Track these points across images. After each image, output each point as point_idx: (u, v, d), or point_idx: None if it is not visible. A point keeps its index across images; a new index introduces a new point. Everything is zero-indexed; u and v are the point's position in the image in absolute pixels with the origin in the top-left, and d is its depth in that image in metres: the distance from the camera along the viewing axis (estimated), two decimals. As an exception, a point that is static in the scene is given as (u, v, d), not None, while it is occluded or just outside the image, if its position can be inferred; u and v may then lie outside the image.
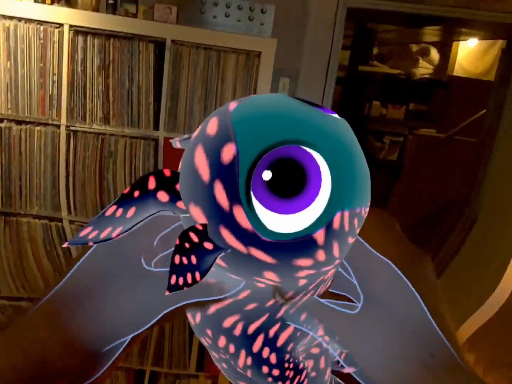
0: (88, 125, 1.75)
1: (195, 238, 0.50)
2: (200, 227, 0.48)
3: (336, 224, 0.44)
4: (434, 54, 4.66)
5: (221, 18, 1.75)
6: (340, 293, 0.63)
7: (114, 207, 0.47)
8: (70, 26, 1.67)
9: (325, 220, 0.44)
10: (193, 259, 0.48)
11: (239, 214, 0.40)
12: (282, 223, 0.41)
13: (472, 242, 2.42)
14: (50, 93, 1.71)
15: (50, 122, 1.74)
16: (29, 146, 1.74)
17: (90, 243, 0.47)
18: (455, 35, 4.33)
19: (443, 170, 3.83)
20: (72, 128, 1.75)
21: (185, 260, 0.48)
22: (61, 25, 1.66)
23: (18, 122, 1.73)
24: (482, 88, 3.68)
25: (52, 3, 1.68)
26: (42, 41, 1.67)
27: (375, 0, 2.17)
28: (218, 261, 0.45)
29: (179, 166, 0.48)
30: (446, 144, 4.01)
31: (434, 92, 4.86)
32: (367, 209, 0.47)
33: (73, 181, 1.77)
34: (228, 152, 0.38)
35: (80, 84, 1.72)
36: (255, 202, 0.43)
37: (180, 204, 0.48)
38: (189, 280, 0.47)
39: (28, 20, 1.65)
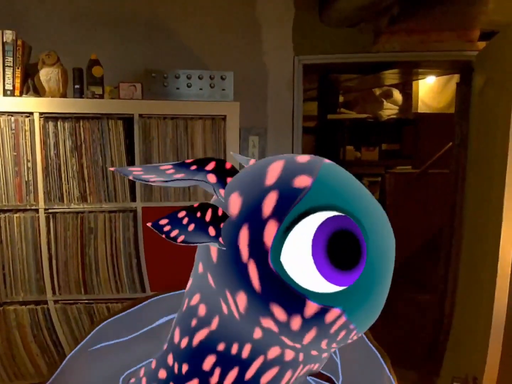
0: (66, 205, 1.78)
1: (208, 216, 0.56)
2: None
3: (329, 318, 0.52)
4: (397, 95, 4.85)
5: (184, 89, 1.83)
6: (324, 372, 0.68)
7: (169, 166, 0.57)
8: (40, 113, 1.73)
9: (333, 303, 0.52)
10: (191, 226, 0.54)
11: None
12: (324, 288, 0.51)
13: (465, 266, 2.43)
14: (26, 179, 1.75)
15: (28, 207, 1.76)
16: (10, 234, 1.75)
17: (130, 177, 0.56)
18: (413, 75, 4.52)
19: (424, 203, 3.89)
20: (50, 210, 1.77)
21: (185, 220, 0.54)
22: (31, 113, 1.72)
23: (-3, 212, 1.75)
24: (446, 121, 3.81)
25: (21, 94, 1.74)
26: (14, 131, 1.72)
27: (326, 56, 2.29)
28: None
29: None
30: (421, 178, 4.10)
31: (403, 131, 5.02)
32: (357, 336, 0.55)
33: (56, 262, 1.77)
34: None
35: (55, 167, 1.76)
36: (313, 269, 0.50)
37: (221, 191, 0.56)
38: (172, 234, 0.53)
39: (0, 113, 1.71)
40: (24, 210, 1.77)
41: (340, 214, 0.51)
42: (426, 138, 4.31)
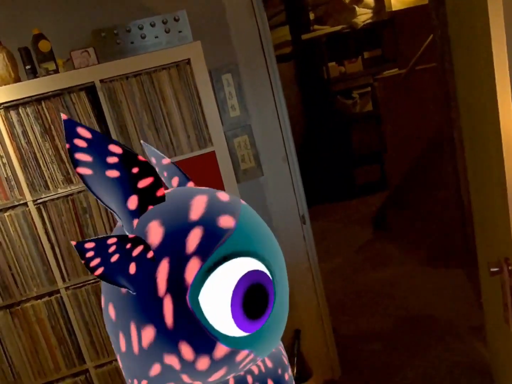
0: (53, 192, 1.70)
1: (136, 251, 0.52)
2: (151, 255, 0.53)
3: (238, 358, 0.55)
4: (367, -3, 4.59)
5: (139, 42, 1.70)
6: None
7: None
8: (-2, 104, 1.62)
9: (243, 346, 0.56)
10: (114, 257, 0.51)
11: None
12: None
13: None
14: (6, 175, 1.66)
15: (16, 203, 1.69)
16: (6, 234, 1.69)
17: None
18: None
19: (418, 102, 3.75)
20: (39, 201, 1.69)
21: (112, 249, 0.52)
22: (-11, 106, 1.61)
23: (-14, 215, 1.68)
24: (423, 13, 3.62)
25: (-27, 90, 1.63)
26: (-23, 130, 1.62)
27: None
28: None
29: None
30: (410, 77, 3.93)
31: (382, 34, 4.79)
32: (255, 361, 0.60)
33: (59, 249, 1.71)
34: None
35: (31, 156, 1.66)
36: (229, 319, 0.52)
37: (135, 221, 0.54)
38: (92, 263, 0.50)
39: (-43, 115, 1.60)
40: (13, 207, 1.70)
41: (259, 269, 0.53)
42: (406, 36, 4.11)
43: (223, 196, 0.58)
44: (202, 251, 0.49)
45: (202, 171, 1.80)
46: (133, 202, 0.53)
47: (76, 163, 0.50)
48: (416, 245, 3.35)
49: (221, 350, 0.52)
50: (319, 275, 2.32)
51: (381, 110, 4.38)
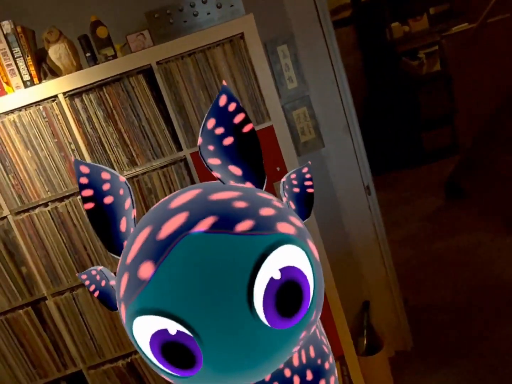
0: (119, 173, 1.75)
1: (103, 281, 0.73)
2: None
3: None
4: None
5: (192, 20, 1.68)
6: None
7: None
8: (64, 93, 1.67)
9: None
10: (102, 283, 0.71)
11: None
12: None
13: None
14: (75, 161, 1.73)
15: (86, 186, 1.76)
16: (79, 216, 1.77)
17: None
18: None
19: (490, 58, 3.49)
20: (107, 183, 1.75)
21: (98, 277, 0.74)
22: (55, 96, 1.67)
23: (61, 200, 1.76)
24: None
25: (40, 81, 1.70)
26: (46, 119, 1.69)
27: None
28: None
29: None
30: (481, 31, 3.65)
31: (449, -15, 4.47)
32: None
33: (128, 230, 1.78)
34: None
35: (96, 141, 1.72)
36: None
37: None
38: (90, 289, 0.70)
39: (27, 106, 1.68)
40: (84, 190, 1.77)
41: (167, 328, 0.49)
42: (476, -15, 3.80)
43: (166, 228, 0.51)
44: (124, 299, 0.51)
45: (264, 151, 1.78)
46: (123, 224, 0.61)
47: (84, 200, 0.61)
48: (493, 211, 3.16)
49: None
50: (386, 246, 2.26)
51: (450, 70, 4.13)
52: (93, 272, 0.68)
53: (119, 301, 0.54)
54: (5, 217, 1.74)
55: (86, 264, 1.80)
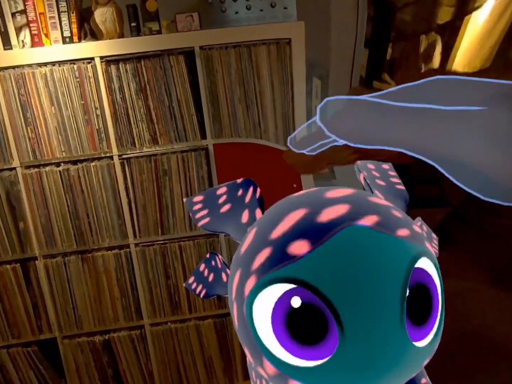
0: (138, 149, 1.67)
1: (219, 262, 0.59)
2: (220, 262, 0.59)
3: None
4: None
5: (244, 12, 1.62)
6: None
7: (224, 190, 0.58)
8: (101, 58, 1.60)
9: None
10: (210, 277, 0.58)
11: None
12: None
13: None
14: (97, 127, 1.65)
15: (102, 155, 1.68)
16: (89, 183, 1.69)
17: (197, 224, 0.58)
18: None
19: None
20: (124, 156, 1.68)
21: (206, 272, 0.58)
22: (92, 59, 1.60)
23: (74, 162, 1.68)
24: None
25: (79, 40, 1.62)
26: (78, 79, 1.61)
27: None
28: None
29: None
30: None
31: None
32: None
33: (135, 206, 1.70)
34: None
35: (123, 112, 1.64)
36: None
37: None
38: (197, 290, 0.59)
39: (61, 62, 1.60)
40: (99, 159, 1.69)
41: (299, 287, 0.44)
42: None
43: (326, 213, 0.47)
44: (261, 270, 0.46)
45: (282, 161, 1.72)
46: (245, 216, 0.54)
47: (197, 221, 0.57)
48: (480, 263, 3.13)
49: (269, 367, 0.47)
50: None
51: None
52: (201, 268, 0.61)
53: (246, 275, 0.48)
54: (14, 168, 1.65)
55: (85, 233, 1.71)
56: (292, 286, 0.44)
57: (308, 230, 0.46)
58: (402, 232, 0.47)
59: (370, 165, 0.60)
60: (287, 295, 0.44)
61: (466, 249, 3.37)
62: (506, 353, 2.33)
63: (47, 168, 1.66)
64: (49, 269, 1.73)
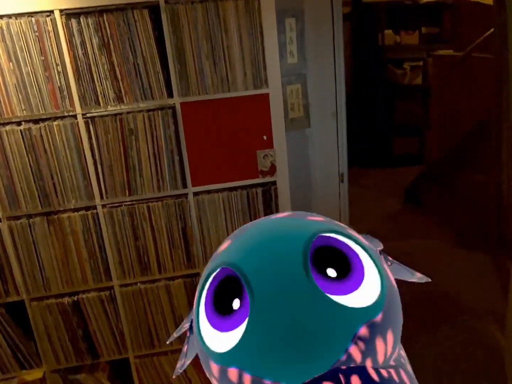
0: (103, 108, 1.62)
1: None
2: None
3: (232, 377, 0.45)
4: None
5: (210, -35, 1.56)
6: None
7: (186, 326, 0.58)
8: (60, 10, 1.51)
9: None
10: (185, 348, 0.59)
11: None
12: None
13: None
14: (59, 84, 1.58)
15: (66, 114, 1.61)
16: (52, 143, 1.63)
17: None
18: None
19: (469, 86, 3.53)
20: (88, 115, 1.62)
21: (186, 350, 0.59)
22: (51, 12, 1.51)
23: (36, 121, 1.61)
24: (486, 9, 3.41)
25: (37, -8, 1.53)
26: (37, 33, 1.53)
27: None
28: None
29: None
30: (465, 61, 3.69)
31: (442, 14, 4.54)
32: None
33: (101, 166, 1.65)
34: None
35: (85, 68, 1.58)
36: None
37: None
38: (179, 367, 0.61)
39: (18, 15, 1.51)
40: (62, 118, 1.62)
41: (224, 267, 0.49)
42: (465, 23, 3.87)
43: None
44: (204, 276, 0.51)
45: (252, 112, 1.70)
46: None
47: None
48: (446, 223, 3.21)
49: (214, 368, 0.47)
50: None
51: (430, 87, 4.15)
52: (185, 349, 0.60)
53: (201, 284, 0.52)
54: (-28, 127, 1.58)
55: (49, 194, 1.66)
56: (217, 270, 0.48)
57: (234, 234, 0.54)
58: (314, 218, 0.52)
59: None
60: (215, 277, 0.49)
61: (434, 211, 3.45)
62: (462, 307, 2.43)
63: (7, 127, 1.59)
64: (14, 231, 1.68)
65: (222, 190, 1.74)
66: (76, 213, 1.69)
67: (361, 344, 0.43)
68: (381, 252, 0.58)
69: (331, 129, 2.09)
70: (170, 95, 1.62)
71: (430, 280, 0.63)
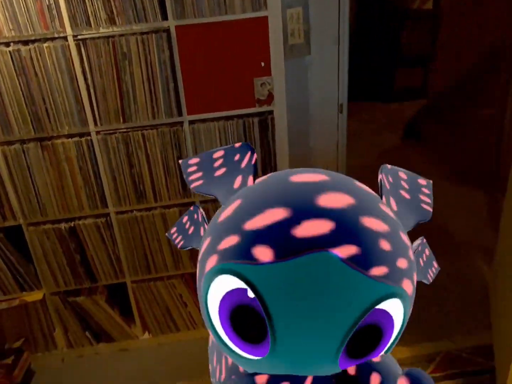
0: (94, 30, 1.55)
1: (200, 216, 0.59)
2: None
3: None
4: None
5: None
6: None
7: (221, 153, 0.56)
8: None
9: None
10: (191, 229, 0.59)
11: None
12: None
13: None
14: (47, 3, 1.51)
15: (56, 35, 1.55)
16: (43, 65, 1.58)
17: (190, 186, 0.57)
18: None
19: (484, 14, 3.36)
20: (79, 37, 1.56)
21: (187, 225, 0.59)
22: None
23: (25, 43, 1.56)
24: None
25: None
26: None
27: None
28: None
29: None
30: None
31: None
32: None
33: (94, 91, 1.61)
34: None
35: (75, -14, 1.50)
36: None
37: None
38: (176, 241, 0.61)
39: None
40: (53, 39, 1.57)
41: (245, 289, 0.45)
42: None
43: (303, 228, 0.46)
44: (225, 256, 0.46)
45: (250, 37, 1.64)
46: (237, 182, 0.53)
47: (190, 182, 0.56)
48: (444, 158, 3.21)
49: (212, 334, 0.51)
50: (344, 169, 2.24)
51: (441, 13, 3.95)
52: (184, 220, 0.60)
53: (212, 249, 0.48)
54: (-41, 47, 1.52)
55: (42, 119, 1.64)
56: (243, 285, 0.44)
57: (280, 240, 0.44)
58: (377, 271, 0.44)
59: (402, 174, 0.56)
60: (238, 292, 0.45)
61: (434, 147, 3.42)
62: (453, 241, 2.49)
63: (-4, 48, 1.54)
64: (7, 156, 1.67)
65: (218, 119, 1.72)
66: (70, 139, 1.67)
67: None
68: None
69: (332, 56, 2.03)
70: (165, 17, 1.56)
71: (439, 269, 0.65)
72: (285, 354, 0.45)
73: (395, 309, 0.46)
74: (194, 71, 1.62)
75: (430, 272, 0.60)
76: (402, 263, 0.47)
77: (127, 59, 1.58)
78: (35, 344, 2.00)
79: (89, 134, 1.67)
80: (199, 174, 0.55)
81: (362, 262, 0.43)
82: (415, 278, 0.51)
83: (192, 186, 0.56)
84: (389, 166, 0.57)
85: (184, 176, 0.56)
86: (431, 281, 0.61)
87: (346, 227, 0.44)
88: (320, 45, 1.99)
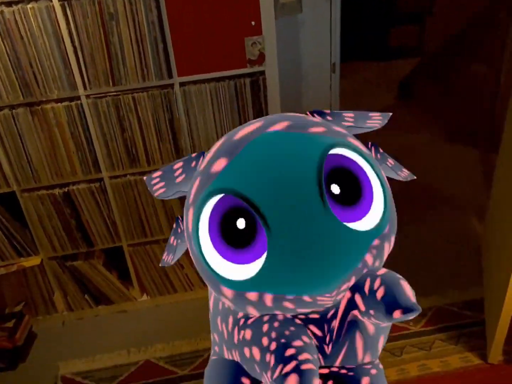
0: (79, -11, 1.52)
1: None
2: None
3: (252, 298, 0.50)
4: None
5: None
6: None
7: (180, 165, 0.58)
8: None
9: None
10: (174, 242, 0.61)
11: None
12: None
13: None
14: (28, -39, 1.47)
15: (39, -5, 1.52)
16: (28, 28, 1.55)
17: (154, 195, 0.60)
18: None
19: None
20: (63, -3, 1.52)
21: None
22: None
23: (8, 4, 1.52)
24: None
25: None
26: None
27: None
28: None
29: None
30: None
31: None
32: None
33: (82, 54, 1.59)
34: None
35: None
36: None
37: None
38: (155, 187, 0.60)
39: None
40: (37, 0, 1.53)
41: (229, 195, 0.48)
42: None
43: (241, 132, 0.52)
44: (194, 200, 0.51)
45: (241, 1, 1.60)
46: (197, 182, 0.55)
47: (154, 192, 0.59)
48: (438, 117, 3.20)
49: (227, 292, 0.51)
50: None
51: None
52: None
53: (187, 209, 0.53)
54: None
55: (30, 84, 1.62)
56: (220, 195, 0.48)
57: (225, 148, 0.51)
58: (316, 130, 0.50)
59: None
60: (219, 204, 0.48)
61: (428, 106, 3.41)
62: (446, 199, 2.52)
63: (-22, 10, 1.50)
64: (-3, 122, 1.66)
65: (209, 81, 1.70)
66: (60, 104, 1.66)
67: (374, 251, 0.50)
68: (372, 144, 0.62)
69: (325, 14, 1.99)
70: (151, -26, 1.52)
71: (415, 177, 0.67)
72: (283, 234, 0.46)
73: (349, 154, 0.50)
74: (183, 31, 1.59)
75: (400, 173, 0.64)
76: (339, 129, 0.54)
77: (114, 19, 1.56)
78: (35, 308, 2.05)
79: (79, 98, 1.66)
80: (162, 184, 0.59)
81: (299, 127, 0.51)
82: (358, 143, 0.55)
83: (156, 194, 0.59)
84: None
85: (149, 189, 0.60)
86: (406, 179, 0.66)
87: (273, 118, 0.54)
88: (312, 3, 1.95)
